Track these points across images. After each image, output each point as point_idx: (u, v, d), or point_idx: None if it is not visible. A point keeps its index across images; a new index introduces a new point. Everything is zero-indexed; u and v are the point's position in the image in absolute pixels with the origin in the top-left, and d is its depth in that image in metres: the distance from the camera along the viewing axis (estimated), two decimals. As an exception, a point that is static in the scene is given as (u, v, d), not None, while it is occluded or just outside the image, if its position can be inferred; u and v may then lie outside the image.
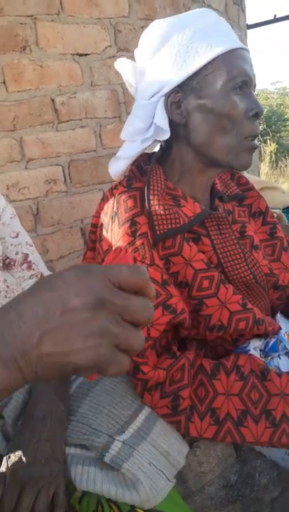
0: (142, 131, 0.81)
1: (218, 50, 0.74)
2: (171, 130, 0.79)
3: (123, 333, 0.37)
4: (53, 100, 1.74)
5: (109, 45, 1.88)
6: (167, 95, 0.77)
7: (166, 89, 0.77)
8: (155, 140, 0.82)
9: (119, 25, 1.91)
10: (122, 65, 0.84)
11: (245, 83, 0.76)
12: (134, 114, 0.82)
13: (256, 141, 0.79)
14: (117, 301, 0.37)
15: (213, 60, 0.75)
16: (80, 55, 1.81)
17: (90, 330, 0.35)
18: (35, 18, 1.66)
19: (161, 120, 0.77)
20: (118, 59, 0.84)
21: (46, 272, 1.01)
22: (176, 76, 0.76)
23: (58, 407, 0.75)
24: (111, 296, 0.36)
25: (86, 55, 1.82)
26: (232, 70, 0.74)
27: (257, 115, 0.76)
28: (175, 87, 0.77)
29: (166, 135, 0.78)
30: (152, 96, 0.79)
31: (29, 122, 1.69)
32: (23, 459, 0.68)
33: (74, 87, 1.80)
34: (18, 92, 1.65)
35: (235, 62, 0.75)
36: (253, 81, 0.78)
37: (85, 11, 1.79)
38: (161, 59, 0.77)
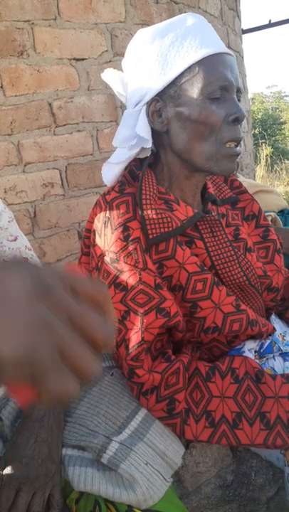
0: (129, 138, 0.81)
1: (194, 57, 0.73)
2: (156, 138, 0.80)
3: (71, 340, 0.29)
4: (50, 104, 1.75)
5: (106, 50, 1.90)
6: (148, 104, 0.78)
7: (147, 98, 0.77)
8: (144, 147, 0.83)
9: (115, 31, 1.92)
10: (109, 75, 0.85)
11: (224, 88, 0.73)
12: (123, 122, 0.83)
13: (238, 148, 0.77)
14: (68, 302, 0.30)
15: (190, 66, 0.73)
16: (77, 59, 1.82)
17: (27, 319, 0.28)
18: (33, 23, 1.67)
19: (142, 129, 0.78)
20: (105, 70, 0.85)
21: None
22: (156, 85, 0.76)
23: (56, 408, 0.75)
24: (62, 293, 0.30)
25: (83, 59, 1.83)
26: (209, 76, 0.72)
27: (238, 120, 0.74)
28: (155, 95, 0.77)
29: (148, 143, 0.79)
30: (136, 105, 0.79)
31: (26, 126, 1.70)
32: (20, 459, 0.68)
33: (71, 91, 1.81)
34: (16, 96, 1.66)
35: (213, 67, 0.73)
36: (234, 85, 0.74)
37: (82, 16, 1.80)
38: (143, 68, 0.77)
